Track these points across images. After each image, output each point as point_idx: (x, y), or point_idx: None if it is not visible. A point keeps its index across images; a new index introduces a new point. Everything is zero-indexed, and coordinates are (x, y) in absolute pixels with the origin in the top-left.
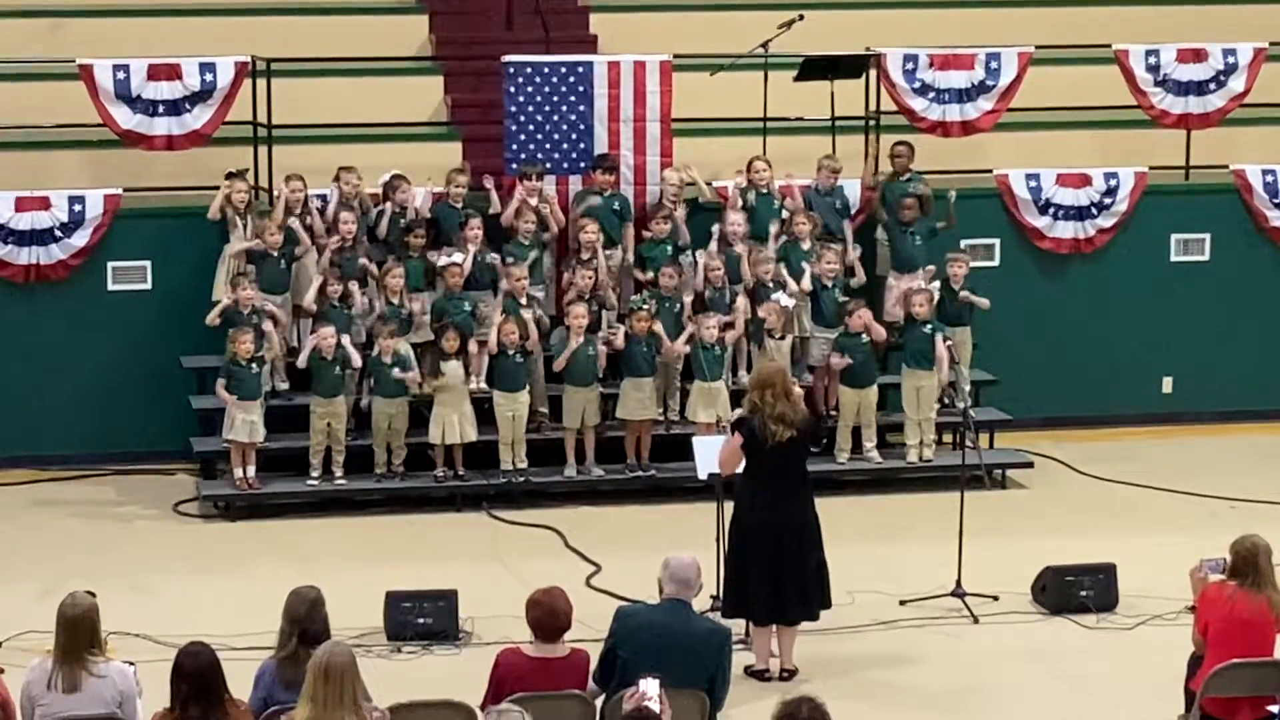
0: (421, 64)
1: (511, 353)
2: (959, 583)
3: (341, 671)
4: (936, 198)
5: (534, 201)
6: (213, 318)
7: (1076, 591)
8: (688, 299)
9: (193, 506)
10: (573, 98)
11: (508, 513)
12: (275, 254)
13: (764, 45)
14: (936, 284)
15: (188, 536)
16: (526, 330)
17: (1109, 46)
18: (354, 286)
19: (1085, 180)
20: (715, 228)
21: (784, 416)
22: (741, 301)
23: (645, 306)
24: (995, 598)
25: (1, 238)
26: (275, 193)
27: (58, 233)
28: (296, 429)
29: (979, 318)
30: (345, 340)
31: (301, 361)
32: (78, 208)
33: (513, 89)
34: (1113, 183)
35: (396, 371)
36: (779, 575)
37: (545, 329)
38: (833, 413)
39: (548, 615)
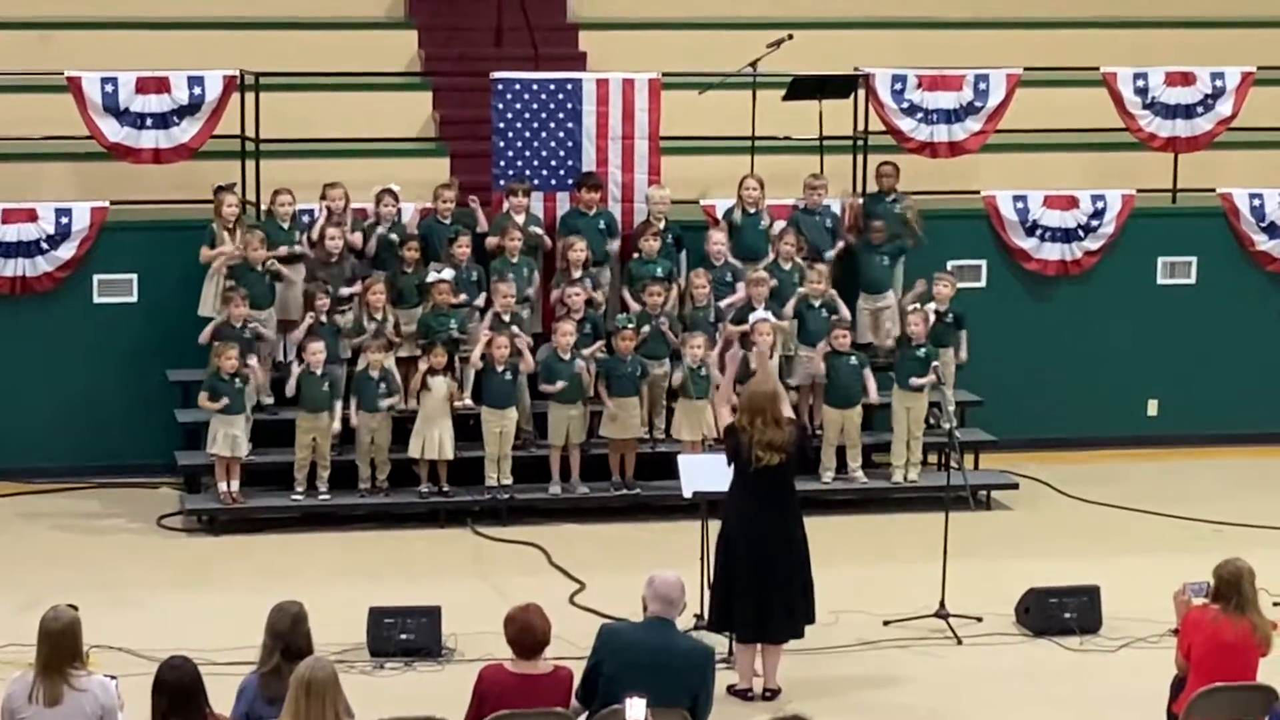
0: (410, 79)
1: (501, 369)
2: (943, 603)
3: (324, 687)
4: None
5: (520, 219)
6: (205, 337)
7: (1060, 613)
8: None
9: (176, 520)
10: (561, 115)
11: (492, 529)
12: (259, 269)
13: (753, 64)
14: (931, 305)
15: (171, 550)
16: (518, 348)
17: (1097, 69)
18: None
19: (1072, 202)
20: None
21: (772, 443)
22: (724, 323)
23: (630, 326)
24: (979, 619)
25: None
26: (263, 206)
27: (44, 245)
28: (282, 444)
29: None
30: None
31: (290, 389)
32: (64, 220)
33: (501, 105)
34: (1100, 205)
35: (382, 388)
36: (764, 594)
37: (530, 346)
38: (817, 432)
39: (523, 632)
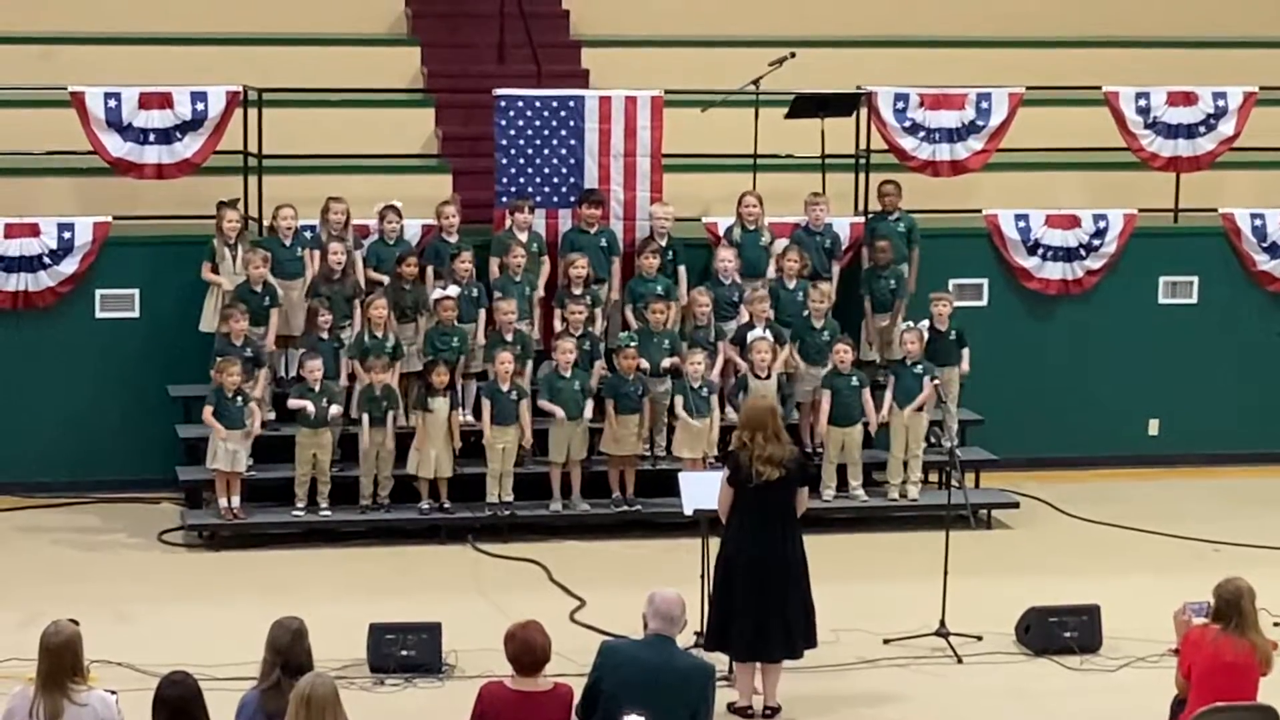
0: (413, 96)
1: (505, 387)
2: (943, 622)
3: (324, 703)
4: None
5: (523, 236)
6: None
7: (1060, 632)
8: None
9: (177, 535)
10: (564, 132)
11: (492, 546)
12: (259, 288)
13: (755, 82)
14: (925, 323)
15: (172, 565)
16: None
17: (1099, 88)
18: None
19: (1074, 221)
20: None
21: (772, 458)
22: (723, 342)
23: (633, 344)
24: (979, 638)
25: None
26: (265, 222)
27: (46, 260)
28: (282, 459)
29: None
30: (334, 411)
31: (293, 403)
32: (67, 235)
33: (504, 122)
34: (1102, 224)
35: (386, 404)
36: (763, 612)
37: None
38: (818, 450)
39: (523, 649)
